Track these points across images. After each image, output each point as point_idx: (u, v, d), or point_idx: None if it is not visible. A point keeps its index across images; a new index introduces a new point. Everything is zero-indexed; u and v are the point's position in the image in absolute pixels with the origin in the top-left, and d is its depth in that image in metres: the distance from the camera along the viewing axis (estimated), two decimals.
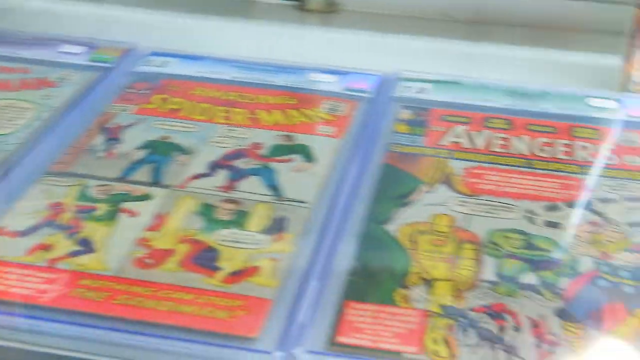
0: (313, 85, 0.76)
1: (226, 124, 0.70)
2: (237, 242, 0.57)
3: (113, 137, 0.67)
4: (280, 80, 0.77)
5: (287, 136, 0.68)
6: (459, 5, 0.94)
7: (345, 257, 0.56)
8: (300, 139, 0.68)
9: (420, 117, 0.72)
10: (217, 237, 0.57)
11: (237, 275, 0.54)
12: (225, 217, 0.59)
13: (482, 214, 0.61)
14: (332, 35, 0.90)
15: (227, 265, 0.55)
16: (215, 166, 0.65)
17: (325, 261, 0.56)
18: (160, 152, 0.66)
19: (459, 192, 0.63)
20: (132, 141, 0.67)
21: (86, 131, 0.69)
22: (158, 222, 0.58)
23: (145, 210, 0.59)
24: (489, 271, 0.56)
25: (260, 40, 0.87)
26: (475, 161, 0.66)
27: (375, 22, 0.93)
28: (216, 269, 0.54)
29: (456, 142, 0.69)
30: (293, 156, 0.66)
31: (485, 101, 0.75)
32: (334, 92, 0.75)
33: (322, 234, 0.58)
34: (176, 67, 0.78)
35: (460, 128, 0.71)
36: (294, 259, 0.56)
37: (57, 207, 0.60)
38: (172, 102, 0.73)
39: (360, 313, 0.52)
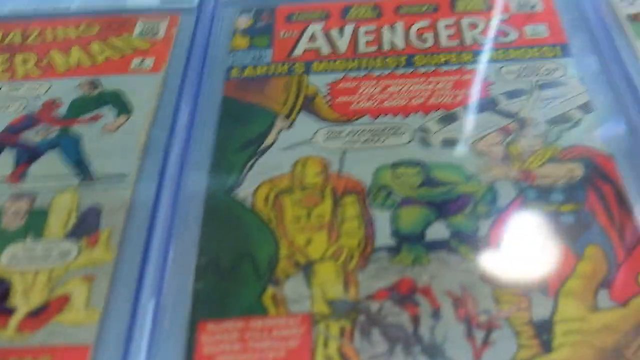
0: (120, 3, 0.57)
1: (9, 79, 0.52)
2: (34, 260, 0.40)
3: None
4: (75, 2, 0.58)
5: (91, 83, 0.51)
6: None
7: (188, 250, 0.40)
8: (110, 83, 0.51)
9: (262, 21, 0.55)
10: (7, 260, 0.40)
11: (39, 315, 0.38)
12: (14, 224, 0.42)
13: (363, 145, 0.45)
14: None
15: (23, 302, 0.38)
16: None
17: (162, 266, 0.39)
18: None
19: (327, 119, 0.47)
20: None
21: None
22: None
23: None
24: (383, 232, 0.40)
25: None
26: (340, 71, 0.50)
27: None
28: (7, 311, 0.38)
29: (313, 49, 0.52)
30: (101, 110, 0.49)
31: None
32: (147, 8, 0.57)
33: (152, 219, 0.42)
34: None
35: (316, 27, 0.54)
36: (116, 270, 0.39)
37: None
38: None
39: (219, 339, 0.36)
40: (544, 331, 0.36)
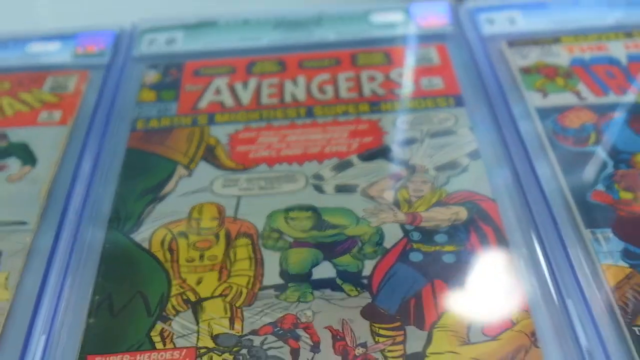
0: (33, 60, 0.59)
1: None
2: None
3: None
4: None
5: (0, 135, 0.52)
6: None
7: (83, 289, 0.42)
8: (18, 135, 0.52)
9: (171, 76, 0.57)
10: None
11: None
12: None
13: (258, 191, 0.47)
14: None
15: None
16: None
17: (56, 305, 0.41)
18: None
19: (226, 168, 0.49)
20: None
21: None
22: None
23: None
24: (272, 272, 0.42)
25: None
26: (242, 122, 0.52)
27: None
28: None
29: (216, 102, 0.54)
30: (7, 161, 0.50)
31: (249, 41, 0.60)
32: (58, 65, 0.58)
33: (49, 266, 0.43)
34: None
35: (222, 81, 0.56)
36: (12, 309, 0.40)
37: None
38: None
39: None
40: None
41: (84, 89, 0.56)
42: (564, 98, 0.53)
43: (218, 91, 0.56)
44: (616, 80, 0.54)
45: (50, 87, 0.57)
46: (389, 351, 0.38)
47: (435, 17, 0.62)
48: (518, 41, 0.59)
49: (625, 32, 0.59)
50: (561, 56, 0.57)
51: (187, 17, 0.63)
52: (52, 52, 0.60)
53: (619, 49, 0.57)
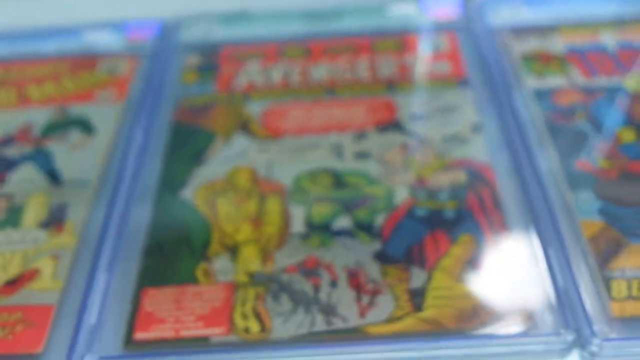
0: (89, 46, 0.67)
1: None
2: (11, 244, 0.49)
3: None
4: (51, 46, 0.68)
5: (61, 110, 0.60)
6: None
7: (137, 237, 0.50)
8: (77, 110, 0.60)
9: (210, 60, 0.65)
10: None
11: (15, 283, 0.47)
12: None
13: (286, 158, 0.55)
14: None
15: (2, 274, 0.47)
16: None
17: (115, 246, 0.49)
18: None
19: (258, 138, 0.57)
20: None
21: None
22: None
23: None
24: (297, 222, 0.50)
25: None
26: (272, 99, 0.60)
27: None
28: None
29: (250, 82, 0.62)
30: (69, 131, 0.58)
31: (278, 30, 0.68)
32: (111, 50, 0.67)
33: (108, 215, 0.51)
34: None
35: (254, 64, 0.64)
36: (78, 252, 0.48)
37: None
38: None
39: (159, 300, 0.46)
40: (417, 296, 0.45)
41: (134, 72, 0.64)
42: (558, 80, 0.60)
43: (251, 73, 0.63)
44: (604, 65, 0.61)
45: (104, 69, 0.64)
46: (396, 286, 0.46)
47: (446, 10, 0.69)
48: (521, 31, 0.66)
49: (617, 23, 0.66)
50: (558, 44, 0.64)
51: (223, 10, 0.70)
52: (105, 40, 0.68)
53: (609, 39, 0.64)
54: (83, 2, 0.74)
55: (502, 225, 0.49)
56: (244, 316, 0.44)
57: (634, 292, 0.44)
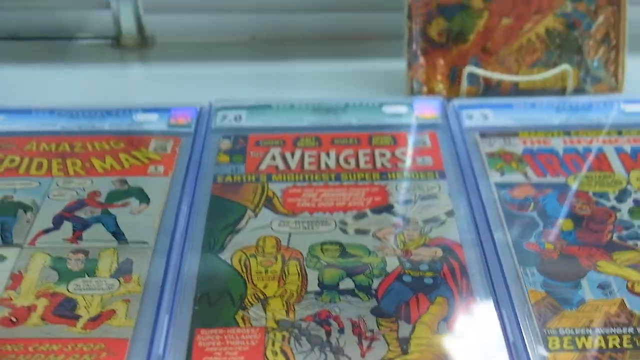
0: (139, 126, 0.83)
1: (63, 176, 0.76)
2: (91, 289, 0.64)
3: None
4: (107, 124, 0.84)
5: (121, 181, 0.76)
6: (262, 27, 1.03)
7: (189, 288, 0.65)
8: (134, 181, 0.76)
9: (239, 144, 0.81)
10: (73, 288, 0.64)
11: (96, 320, 0.61)
12: (77, 267, 0.66)
13: (302, 230, 0.70)
14: (149, 71, 0.98)
15: (85, 312, 0.62)
16: (59, 219, 0.71)
17: (173, 294, 0.64)
18: (5, 212, 0.72)
19: (280, 213, 0.72)
20: None
21: None
22: (16, 281, 0.65)
23: (1, 272, 0.65)
24: (313, 283, 0.65)
25: (80, 83, 0.94)
26: (290, 181, 0.76)
27: (189, 51, 1.01)
28: (76, 317, 0.61)
29: (273, 166, 0.78)
30: (129, 199, 0.74)
31: (294, 121, 0.84)
32: (158, 131, 0.82)
33: (166, 270, 0.66)
34: (6, 124, 0.84)
35: (276, 150, 0.80)
36: (144, 297, 0.63)
37: None
38: (8, 161, 0.78)
39: (208, 338, 0.60)
40: (404, 342, 0.60)
41: (178, 150, 0.80)
42: (515, 177, 0.77)
43: (273, 158, 0.79)
44: (553, 166, 0.78)
45: (153, 147, 0.80)
46: (388, 335, 0.61)
47: (430, 110, 0.86)
48: (488, 133, 0.83)
49: (565, 131, 0.83)
50: (517, 146, 0.81)
51: (249, 100, 0.87)
52: (152, 121, 0.84)
53: (558, 144, 0.81)
54: (132, 88, 0.91)
55: (468, 291, 0.64)
56: (274, 353, 0.59)
57: (565, 346, 0.60)
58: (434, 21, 0.89)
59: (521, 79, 0.89)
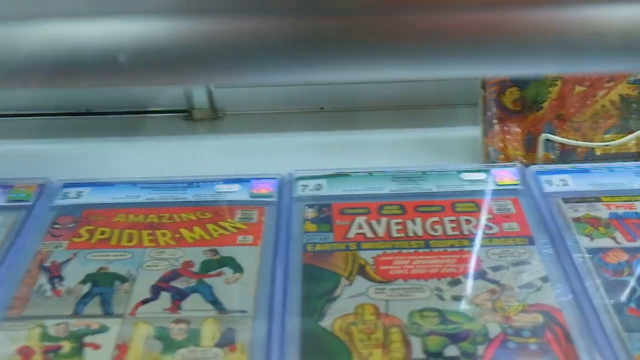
0: (222, 197, 0.84)
1: (154, 246, 0.77)
2: (197, 359, 0.64)
3: (55, 275, 0.73)
4: (190, 195, 0.84)
5: (213, 251, 0.76)
6: (331, 97, 1.04)
7: (294, 357, 0.64)
8: (225, 251, 0.76)
9: (324, 213, 0.81)
10: (179, 358, 0.64)
11: None
12: (180, 337, 0.66)
13: (399, 297, 0.70)
14: (221, 142, 0.99)
15: None
16: (157, 289, 0.72)
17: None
18: (102, 283, 0.72)
19: (374, 281, 0.72)
20: (74, 276, 0.73)
21: (27, 273, 0.74)
22: (122, 351, 0.65)
23: (106, 342, 0.66)
24: (417, 350, 0.65)
25: (157, 156, 0.95)
26: (380, 249, 0.76)
27: (258, 122, 1.03)
28: None
29: (360, 233, 0.78)
30: (222, 269, 0.74)
31: (375, 189, 0.85)
32: (242, 201, 0.83)
33: (268, 339, 0.66)
34: (92, 197, 0.84)
35: (361, 219, 0.80)
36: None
37: (25, 351, 0.65)
38: (99, 232, 0.79)
39: None
40: None
41: (264, 220, 0.80)
42: (606, 242, 0.77)
43: (360, 226, 0.80)
44: None
45: (239, 217, 0.81)
46: None
47: (509, 176, 0.87)
48: (570, 198, 0.83)
49: None
50: (602, 211, 0.81)
51: (328, 169, 0.87)
52: (234, 191, 0.85)
53: None
54: (206, 159, 0.92)
55: (574, 356, 0.64)
56: None
57: None
58: (507, 90, 0.89)
59: (599, 144, 0.89)
